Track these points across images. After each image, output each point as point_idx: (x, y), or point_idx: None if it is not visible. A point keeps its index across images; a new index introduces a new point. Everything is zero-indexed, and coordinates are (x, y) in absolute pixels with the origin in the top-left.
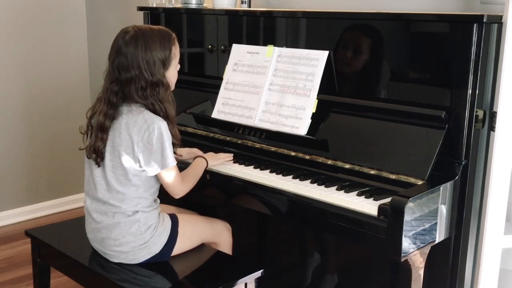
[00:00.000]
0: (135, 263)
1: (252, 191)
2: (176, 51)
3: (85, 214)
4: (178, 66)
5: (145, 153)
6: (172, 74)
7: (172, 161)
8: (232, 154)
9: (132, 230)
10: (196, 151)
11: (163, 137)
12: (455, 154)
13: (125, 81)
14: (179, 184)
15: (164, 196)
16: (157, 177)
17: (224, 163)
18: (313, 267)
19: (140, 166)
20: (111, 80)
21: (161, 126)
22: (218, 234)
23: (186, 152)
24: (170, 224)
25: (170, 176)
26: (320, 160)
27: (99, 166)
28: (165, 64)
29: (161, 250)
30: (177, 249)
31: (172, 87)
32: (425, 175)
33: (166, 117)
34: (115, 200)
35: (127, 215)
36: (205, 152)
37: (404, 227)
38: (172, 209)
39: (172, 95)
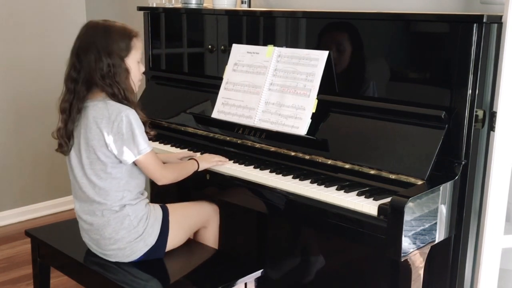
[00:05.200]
0: (134, 260)
1: (252, 191)
2: (137, 43)
3: (77, 218)
4: (142, 68)
5: (117, 143)
6: (132, 64)
7: (145, 147)
8: (227, 159)
9: (124, 225)
10: (185, 155)
11: (132, 124)
12: (455, 154)
13: (85, 65)
14: (159, 169)
15: (162, 195)
16: (139, 168)
17: (223, 163)
18: (313, 266)
19: (116, 157)
20: (70, 67)
21: (128, 114)
22: (208, 218)
23: (175, 158)
24: (162, 213)
25: (147, 161)
26: (320, 160)
27: (66, 154)
28: (125, 49)
29: (156, 241)
30: (172, 239)
31: (136, 87)
32: (425, 175)
33: (125, 99)
34: (99, 197)
35: (115, 211)
36: (202, 152)
37: (404, 227)
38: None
39: (134, 84)
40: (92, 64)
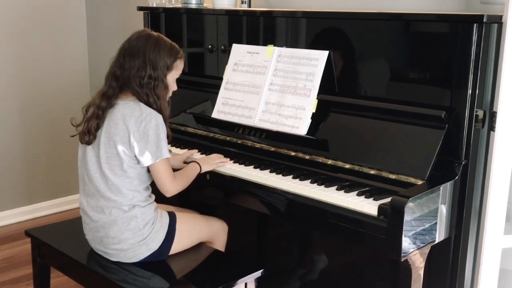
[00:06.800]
0: (135, 262)
1: (252, 191)
2: (180, 65)
3: (82, 215)
4: (175, 87)
5: (141, 142)
6: (170, 81)
7: (166, 153)
8: (228, 159)
9: (130, 226)
10: (187, 155)
11: (159, 128)
12: (455, 154)
13: (127, 67)
14: (170, 180)
15: (163, 195)
16: (149, 173)
17: (224, 165)
18: (313, 266)
19: (135, 156)
20: (115, 65)
21: (157, 118)
22: (215, 234)
23: (178, 160)
24: (168, 221)
25: (163, 169)
26: (320, 160)
27: (89, 144)
28: (168, 67)
29: (159, 247)
30: (176, 247)
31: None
32: (425, 175)
33: (159, 111)
34: (111, 192)
35: (124, 211)
36: (202, 152)
37: (404, 227)
38: (171, 208)
39: (170, 100)
40: (133, 70)
